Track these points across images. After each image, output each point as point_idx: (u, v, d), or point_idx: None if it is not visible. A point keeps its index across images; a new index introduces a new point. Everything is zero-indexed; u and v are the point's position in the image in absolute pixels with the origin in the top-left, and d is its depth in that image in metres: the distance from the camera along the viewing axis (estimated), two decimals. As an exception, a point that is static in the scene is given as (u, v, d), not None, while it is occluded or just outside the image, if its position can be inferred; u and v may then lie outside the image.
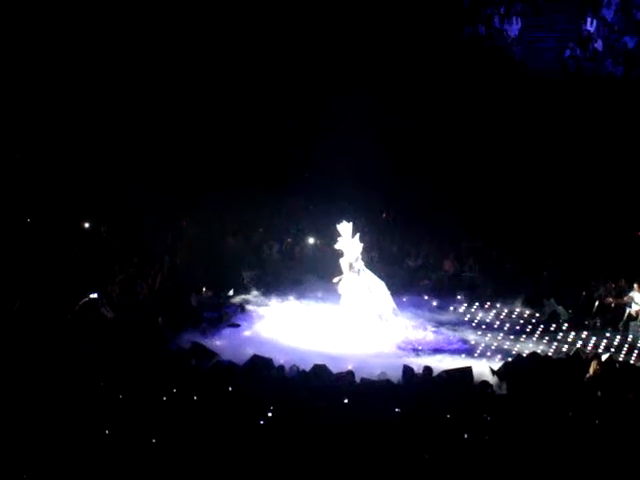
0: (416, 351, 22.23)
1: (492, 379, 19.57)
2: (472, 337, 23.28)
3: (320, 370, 19.48)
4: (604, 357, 20.55)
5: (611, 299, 24.47)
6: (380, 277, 24.08)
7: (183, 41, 32.29)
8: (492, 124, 31.43)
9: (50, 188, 28.48)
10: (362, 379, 19.13)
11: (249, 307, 24.53)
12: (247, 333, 23.08)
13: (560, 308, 24.44)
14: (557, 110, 30.95)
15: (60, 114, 31.12)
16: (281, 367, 19.87)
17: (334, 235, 24.21)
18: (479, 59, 32.54)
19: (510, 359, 21.13)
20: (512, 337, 23.33)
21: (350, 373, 19.31)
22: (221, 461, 15.41)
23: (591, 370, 19.43)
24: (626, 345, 22.83)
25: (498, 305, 25.30)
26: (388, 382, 19.13)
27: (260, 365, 19.96)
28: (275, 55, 32.46)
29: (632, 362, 21.41)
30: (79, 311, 21.76)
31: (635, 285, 24.14)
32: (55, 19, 31.52)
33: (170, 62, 32.30)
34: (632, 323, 23.55)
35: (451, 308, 25.15)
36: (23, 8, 31.38)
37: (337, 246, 23.89)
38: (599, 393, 18.25)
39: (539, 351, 21.87)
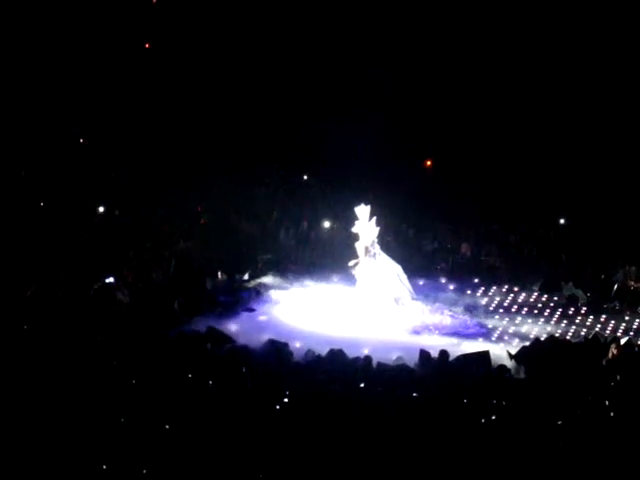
0: (433, 335, 22.07)
1: (510, 363, 19.45)
2: (489, 321, 23.15)
3: (336, 354, 19.39)
4: (623, 340, 20.40)
5: (630, 282, 24.28)
6: (396, 261, 23.94)
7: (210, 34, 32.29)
8: (511, 109, 31.34)
9: (64, 173, 28.43)
10: (378, 363, 19.00)
11: (265, 291, 24.43)
12: (263, 317, 22.98)
13: (579, 291, 24.29)
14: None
15: (76, 102, 31.14)
16: (297, 351, 19.79)
17: (350, 219, 24.09)
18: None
19: (528, 343, 20.97)
20: (530, 321, 23.17)
21: (367, 358, 19.17)
22: (237, 445, 15.35)
23: (610, 353, 19.28)
24: (645, 328, 22.67)
25: (516, 288, 25.14)
26: (405, 366, 19.01)
27: (276, 350, 19.87)
28: (292, 42, 32.31)
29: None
30: (94, 295, 21.72)
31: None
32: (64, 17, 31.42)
33: (191, 52, 32.24)
34: (651, 306, 23.43)
35: (468, 292, 25.00)
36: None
37: (353, 230, 23.76)
38: (618, 376, 18.08)
39: (557, 335, 21.70)
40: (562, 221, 27.84)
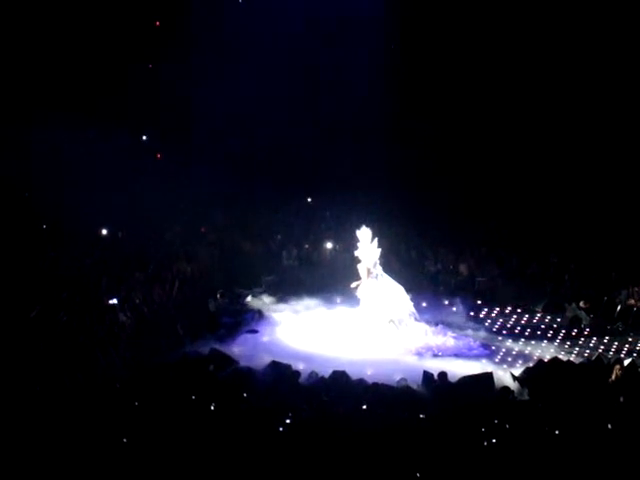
0: (436, 356, 22.03)
1: (513, 385, 19.38)
2: (493, 342, 23.09)
3: (339, 376, 19.35)
4: (626, 362, 20.32)
5: (633, 303, 24.23)
6: (399, 282, 23.91)
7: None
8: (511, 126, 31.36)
9: (68, 195, 28.46)
10: (381, 385, 18.94)
11: (267, 313, 24.41)
12: (265, 339, 22.95)
13: (582, 312, 24.21)
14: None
15: (81, 118, 31.15)
16: (300, 373, 19.76)
17: (353, 240, 24.09)
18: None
19: (531, 364, 20.93)
20: (533, 342, 23.11)
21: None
22: (239, 468, 15.30)
23: (613, 375, 19.22)
24: (648, 349, 22.60)
25: (519, 310, 25.10)
26: (408, 388, 18.97)
27: (279, 371, 19.83)
28: (290, 58, 32.36)
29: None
30: (97, 316, 21.72)
31: (657, 289, 23.97)
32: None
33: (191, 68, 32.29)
34: (655, 327, 23.35)
35: (471, 313, 24.95)
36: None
37: (356, 252, 23.73)
38: (621, 398, 18.02)
39: (561, 356, 21.64)
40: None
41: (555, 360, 20.88)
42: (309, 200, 31.12)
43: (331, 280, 25.97)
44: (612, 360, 20.73)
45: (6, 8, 29.90)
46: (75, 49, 30.86)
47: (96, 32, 30.96)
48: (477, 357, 22.03)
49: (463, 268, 26.76)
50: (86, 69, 30.88)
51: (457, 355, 22.11)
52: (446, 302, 25.34)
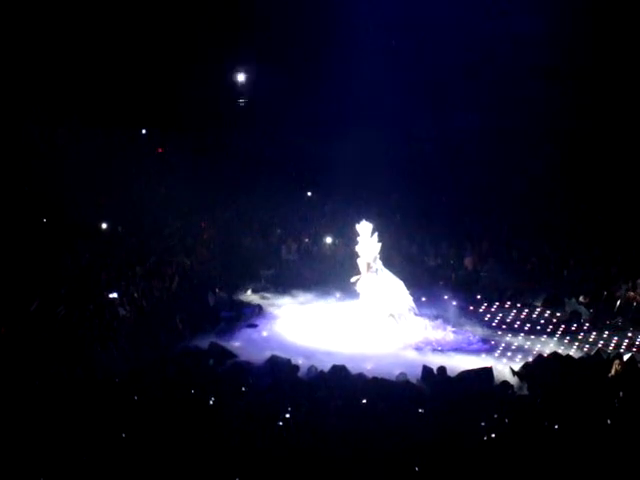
0: (436, 351, 22.02)
1: (513, 379, 19.38)
2: (492, 337, 23.08)
3: (339, 371, 19.35)
4: (626, 357, 20.31)
5: (633, 297, 24.20)
6: (399, 276, 23.89)
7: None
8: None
9: (68, 189, 28.49)
10: (381, 379, 18.94)
11: (267, 307, 24.42)
12: (265, 333, 22.98)
13: (581, 307, 24.19)
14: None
15: (80, 118, 31.22)
16: (299, 367, 19.76)
17: (353, 235, 24.08)
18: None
19: (531, 359, 20.93)
20: (533, 337, 23.10)
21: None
22: (238, 462, 15.30)
23: (613, 370, 19.21)
24: (648, 344, 22.60)
25: (519, 305, 25.08)
26: (407, 383, 18.97)
27: (278, 365, 19.83)
28: (295, 55, 32.38)
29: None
30: (97, 310, 21.72)
31: (658, 284, 23.94)
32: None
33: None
34: (655, 322, 23.32)
35: (471, 308, 24.94)
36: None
37: (356, 247, 23.71)
38: (621, 393, 18.01)
39: (560, 351, 21.62)
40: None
41: (554, 355, 20.88)
42: (309, 194, 31.08)
43: (331, 274, 25.96)
44: (612, 355, 20.73)
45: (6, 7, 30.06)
46: (84, 47, 31.06)
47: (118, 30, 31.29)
48: (477, 352, 22.04)
49: (468, 262, 26.72)
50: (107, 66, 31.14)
51: (457, 350, 22.12)
52: (446, 297, 25.32)
